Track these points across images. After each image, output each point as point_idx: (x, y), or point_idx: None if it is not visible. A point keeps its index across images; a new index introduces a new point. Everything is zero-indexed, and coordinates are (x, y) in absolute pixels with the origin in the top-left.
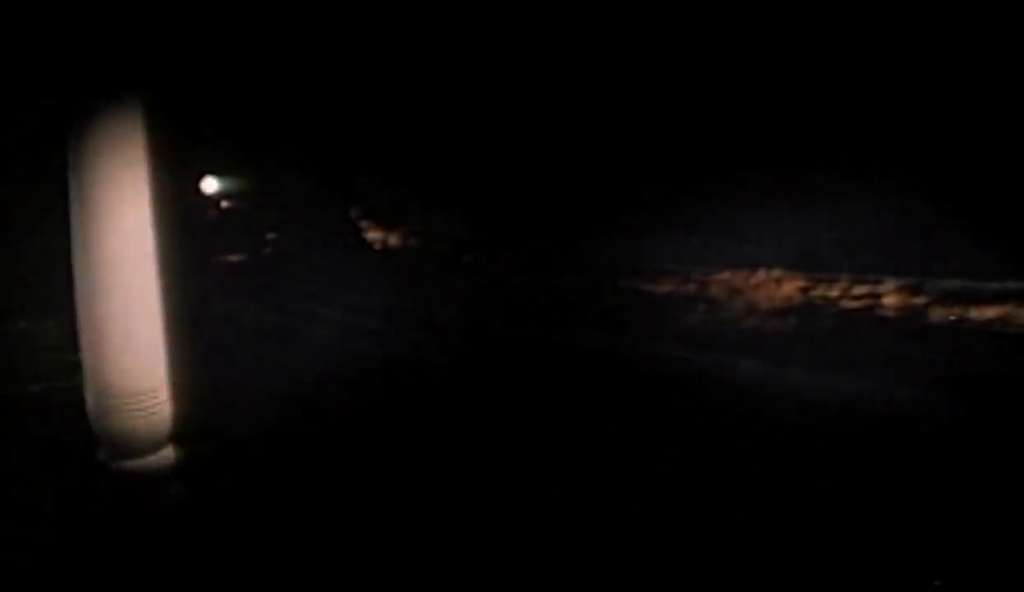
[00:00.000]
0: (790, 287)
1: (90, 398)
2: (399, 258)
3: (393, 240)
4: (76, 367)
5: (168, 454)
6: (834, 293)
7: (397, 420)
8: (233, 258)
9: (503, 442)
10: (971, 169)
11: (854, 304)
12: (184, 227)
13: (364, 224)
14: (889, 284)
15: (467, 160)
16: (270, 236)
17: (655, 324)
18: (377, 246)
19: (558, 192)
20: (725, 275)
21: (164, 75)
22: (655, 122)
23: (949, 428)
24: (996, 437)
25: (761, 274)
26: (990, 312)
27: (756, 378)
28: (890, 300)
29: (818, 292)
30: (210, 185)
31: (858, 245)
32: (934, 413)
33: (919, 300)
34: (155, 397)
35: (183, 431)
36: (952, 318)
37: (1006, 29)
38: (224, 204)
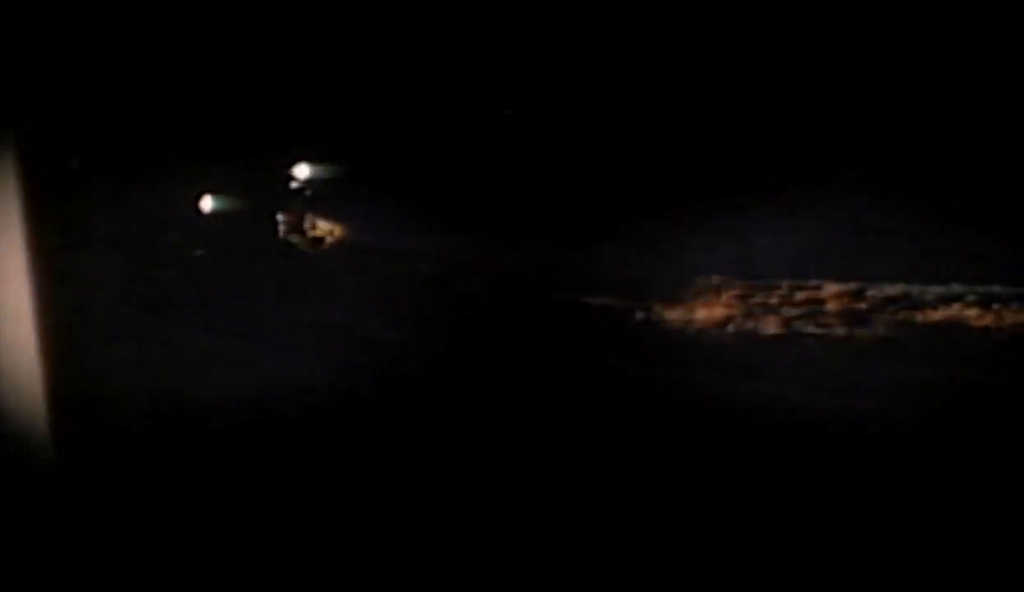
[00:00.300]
0: (729, 295)
1: None
2: (326, 267)
3: (322, 248)
4: None
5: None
6: (774, 300)
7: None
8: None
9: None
10: (912, 173)
11: (795, 311)
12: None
13: (295, 237)
14: (830, 288)
15: (391, 169)
16: (199, 252)
17: (588, 337)
18: (306, 253)
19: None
20: (665, 283)
21: (42, 107)
22: (597, 135)
23: (902, 441)
24: (950, 449)
25: (699, 281)
26: (936, 316)
27: (697, 389)
28: (832, 306)
29: (758, 299)
30: (207, 204)
31: (797, 250)
32: (886, 426)
33: (862, 305)
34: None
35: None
36: (897, 323)
37: (947, 37)
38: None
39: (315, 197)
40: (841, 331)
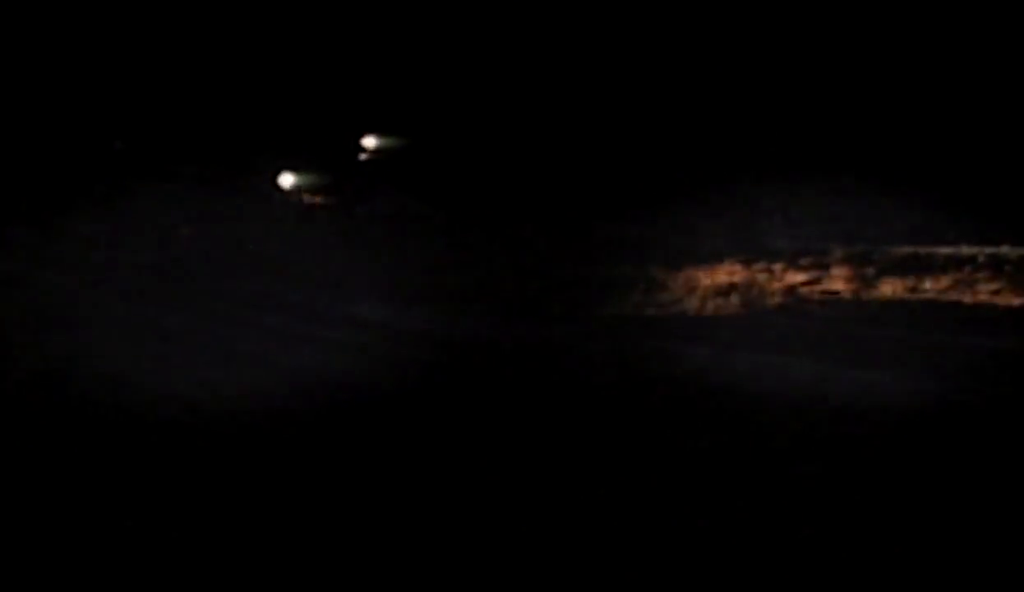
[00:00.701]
0: (731, 261)
1: None
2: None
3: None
4: None
5: None
6: (779, 265)
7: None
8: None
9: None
10: (916, 136)
11: (800, 277)
12: None
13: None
14: (836, 254)
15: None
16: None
17: (588, 309)
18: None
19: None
20: (671, 251)
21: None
22: (598, 113)
23: (908, 413)
24: (958, 420)
25: (704, 247)
26: (945, 281)
27: (699, 363)
28: (838, 271)
29: (760, 265)
30: (287, 180)
31: (802, 214)
32: (891, 397)
33: (868, 270)
34: None
35: None
36: (906, 288)
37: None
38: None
39: (382, 165)
40: (847, 297)
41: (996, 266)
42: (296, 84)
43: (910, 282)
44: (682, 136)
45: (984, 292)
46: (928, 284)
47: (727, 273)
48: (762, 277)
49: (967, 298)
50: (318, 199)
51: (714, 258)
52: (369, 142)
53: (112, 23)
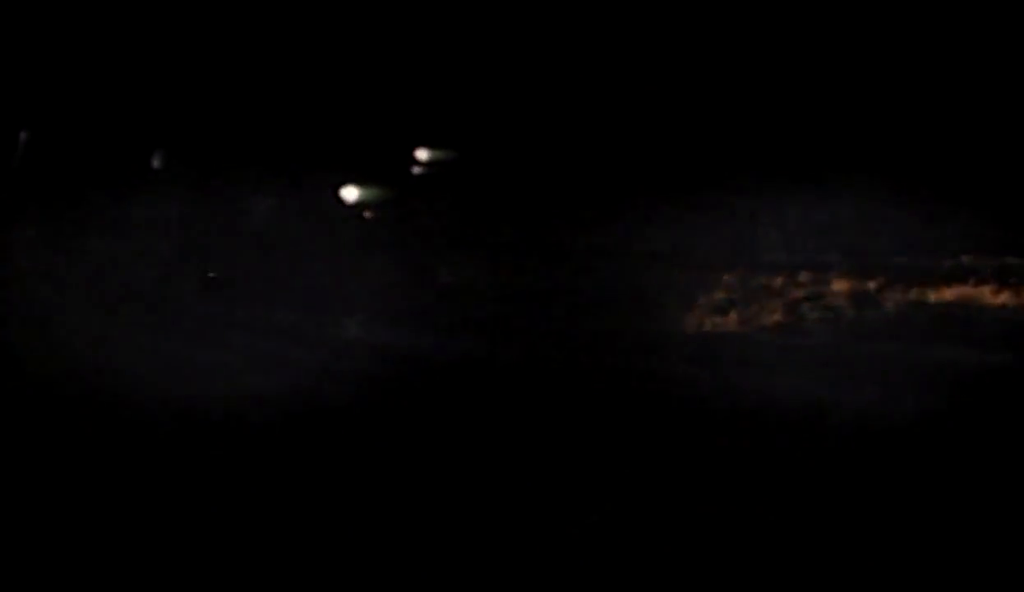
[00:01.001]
0: (729, 276)
1: None
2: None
3: None
4: None
5: None
6: (777, 281)
7: None
8: None
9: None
10: (915, 141)
11: (799, 293)
12: None
13: None
14: (836, 267)
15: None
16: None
17: (580, 327)
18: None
19: None
20: (657, 266)
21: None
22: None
23: (913, 436)
24: (964, 440)
25: (698, 261)
26: (948, 293)
27: (697, 385)
28: (839, 286)
29: (759, 280)
30: (350, 194)
31: (799, 226)
32: (894, 419)
33: (869, 284)
34: None
35: None
36: (908, 303)
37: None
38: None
39: (434, 178)
40: (848, 313)
41: (1001, 278)
42: (358, 96)
43: (912, 296)
44: (676, 144)
45: (989, 305)
46: (931, 297)
47: (724, 289)
48: (761, 293)
49: (971, 311)
50: (378, 213)
51: (711, 273)
52: (422, 154)
53: (164, 38)
